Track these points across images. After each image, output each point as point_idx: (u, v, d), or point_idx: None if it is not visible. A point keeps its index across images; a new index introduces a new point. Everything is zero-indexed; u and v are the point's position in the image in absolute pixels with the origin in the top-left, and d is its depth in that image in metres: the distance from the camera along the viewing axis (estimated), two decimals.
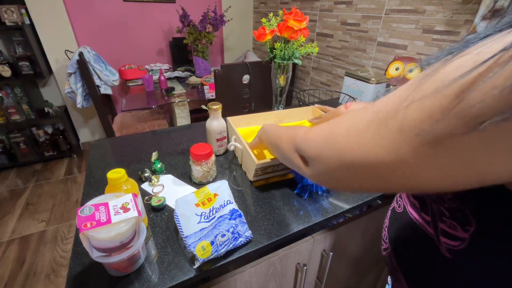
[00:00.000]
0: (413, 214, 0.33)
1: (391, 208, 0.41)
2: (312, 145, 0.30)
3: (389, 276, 0.52)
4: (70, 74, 1.66)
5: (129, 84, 2.10)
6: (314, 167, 0.30)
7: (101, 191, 0.62)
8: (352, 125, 0.25)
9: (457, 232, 0.25)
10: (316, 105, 0.87)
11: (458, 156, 0.17)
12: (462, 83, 0.16)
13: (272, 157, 0.60)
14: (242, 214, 0.51)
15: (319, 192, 0.63)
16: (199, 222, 0.49)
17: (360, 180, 0.25)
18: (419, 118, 0.18)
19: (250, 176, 0.64)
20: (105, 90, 1.84)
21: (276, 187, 0.65)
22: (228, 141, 0.79)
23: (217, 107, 0.71)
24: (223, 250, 0.46)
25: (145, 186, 0.65)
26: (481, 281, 0.25)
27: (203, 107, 0.75)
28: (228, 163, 0.74)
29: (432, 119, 0.17)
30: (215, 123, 0.73)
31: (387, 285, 0.52)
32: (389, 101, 0.21)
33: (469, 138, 0.16)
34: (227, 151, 0.80)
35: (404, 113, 0.19)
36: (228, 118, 0.76)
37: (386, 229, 0.40)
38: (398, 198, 0.39)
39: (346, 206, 0.60)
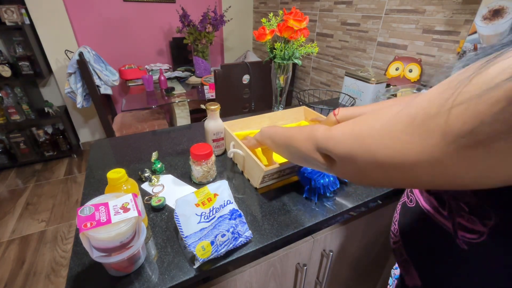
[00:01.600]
0: (428, 208, 0.33)
1: (401, 202, 0.42)
2: (339, 143, 0.31)
3: (393, 269, 0.52)
4: (70, 74, 1.66)
5: (129, 84, 2.10)
6: (342, 166, 0.31)
7: (101, 191, 0.62)
8: (385, 126, 0.25)
9: (476, 226, 0.26)
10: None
11: (502, 158, 0.17)
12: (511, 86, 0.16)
13: (280, 161, 0.59)
14: (242, 214, 0.51)
15: (327, 194, 0.62)
16: (199, 222, 0.49)
17: (391, 177, 0.25)
18: (464, 121, 0.18)
19: (256, 183, 0.63)
20: (105, 90, 1.84)
21: (277, 188, 0.65)
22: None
23: (215, 107, 0.71)
24: (223, 250, 0.46)
25: (145, 186, 0.65)
26: (496, 272, 0.26)
27: (202, 106, 0.74)
28: (228, 172, 0.73)
29: (479, 122, 0.17)
30: (212, 123, 0.72)
31: (390, 278, 0.52)
32: (427, 103, 0.21)
33: None
34: (225, 151, 0.80)
35: (447, 116, 0.19)
36: (224, 123, 0.75)
37: (396, 223, 0.41)
38: (409, 193, 0.39)
39: (346, 206, 0.60)
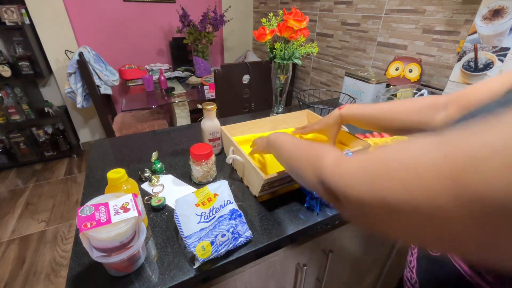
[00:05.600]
0: (462, 266, 0.28)
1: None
2: (348, 183, 0.24)
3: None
4: (70, 74, 1.66)
5: (129, 84, 2.10)
6: (350, 208, 0.25)
7: (101, 191, 0.62)
8: (411, 168, 0.19)
9: None
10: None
11: None
12: None
13: (280, 170, 0.56)
14: (242, 214, 0.51)
15: (331, 204, 0.59)
16: (199, 222, 0.49)
17: (418, 231, 0.20)
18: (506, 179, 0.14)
19: (256, 191, 0.59)
20: (105, 90, 1.84)
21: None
22: (222, 145, 0.78)
23: (211, 107, 0.70)
24: (223, 250, 0.46)
25: (145, 186, 0.65)
26: None
27: (199, 106, 0.74)
28: (228, 171, 0.73)
29: None
30: (208, 123, 0.72)
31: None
32: (461, 148, 0.17)
33: None
34: (221, 151, 0.79)
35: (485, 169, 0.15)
36: (222, 128, 0.73)
37: (414, 271, 0.36)
38: None
39: None
